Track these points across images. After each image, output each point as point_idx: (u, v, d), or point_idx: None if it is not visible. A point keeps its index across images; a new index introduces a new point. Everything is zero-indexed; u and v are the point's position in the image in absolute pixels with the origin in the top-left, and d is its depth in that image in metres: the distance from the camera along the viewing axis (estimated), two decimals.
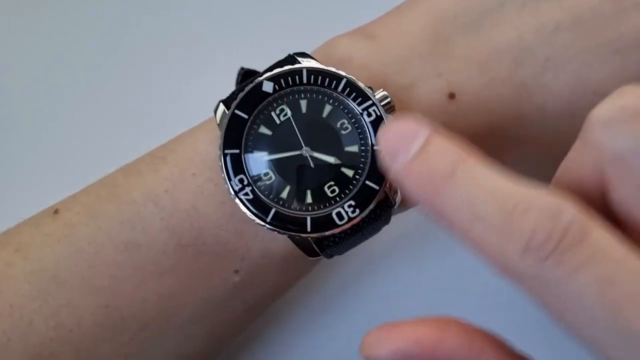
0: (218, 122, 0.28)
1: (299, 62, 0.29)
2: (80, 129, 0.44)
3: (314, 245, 0.28)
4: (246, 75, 0.31)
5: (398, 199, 0.28)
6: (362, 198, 0.27)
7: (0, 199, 0.42)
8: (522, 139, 0.30)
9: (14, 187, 0.43)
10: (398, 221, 0.32)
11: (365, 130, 0.28)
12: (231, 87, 0.30)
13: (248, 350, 0.37)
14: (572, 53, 0.29)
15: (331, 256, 0.31)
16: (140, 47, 0.47)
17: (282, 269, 0.31)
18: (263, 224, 0.27)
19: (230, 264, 0.29)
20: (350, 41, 0.31)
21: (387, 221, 0.31)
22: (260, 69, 0.30)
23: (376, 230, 0.31)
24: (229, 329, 0.33)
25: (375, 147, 0.27)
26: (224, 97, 0.29)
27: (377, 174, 0.27)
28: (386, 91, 0.28)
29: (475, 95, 0.29)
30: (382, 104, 0.28)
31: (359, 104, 0.28)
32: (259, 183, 0.27)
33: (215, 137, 0.28)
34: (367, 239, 0.32)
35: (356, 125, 0.28)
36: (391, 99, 0.28)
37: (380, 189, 0.27)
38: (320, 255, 0.29)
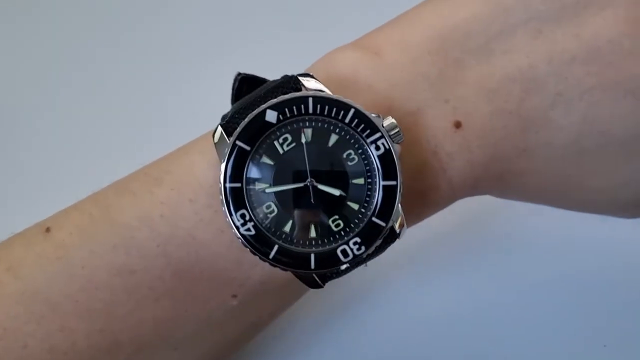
0: (216, 142, 0.27)
1: (303, 85, 0.27)
2: (72, 133, 0.44)
3: (317, 278, 0.27)
4: (243, 82, 0.30)
5: (403, 232, 0.27)
6: (368, 235, 0.27)
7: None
8: (526, 170, 0.29)
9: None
10: None
11: (372, 162, 0.27)
12: (227, 87, 0.30)
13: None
14: (584, 90, 0.27)
15: None
16: (138, 50, 0.47)
17: (281, 294, 0.30)
18: (266, 259, 0.26)
19: (228, 290, 0.29)
20: (355, 57, 0.29)
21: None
22: (259, 72, 0.29)
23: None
24: (225, 348, 0.32)
25: (383, 183, 0.26)
26: (222, 101, 0.28)
27: (384, 210, 0.26)
28: (393, 117, 0.27)
29: (482, 126, 0.28)
30: (390, 133, 0.27)
31: (367, 136, 0.27)
32: (261, 217, 0.26)
33: (213, 159, 0.27)
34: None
35: (363, 156, 0.27)
36: (399, 129, 0.27)
37: (386, 226, 0.26)
38: (322, 287, 0.28)
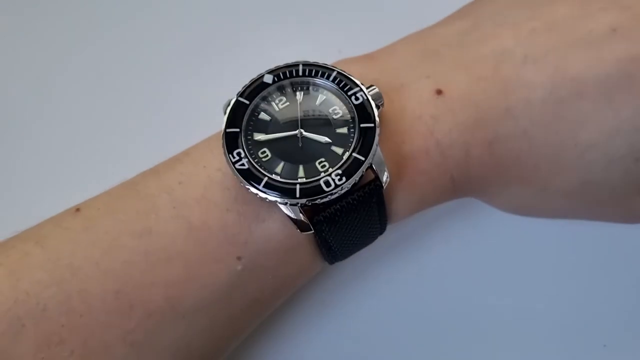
0: (226, 114, 0.32)
1: None
2: (101, 137, 0.46)
3: (308, 222, 0.30)
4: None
5: (386, 178, 0.30)
6: (349, 168, 0.30)
7: (23, 201, 0.44)
8: (512, 132, 0.32)
9: (36, 190, 0.44)
10: (395, 227, 0.34)
11: (353, 113, 0.31)
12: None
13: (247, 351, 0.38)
14: (548, 48, 0.31)
15: (333, 261, 0.33)
16: (149, 49, 0.49)
17: (282, 259, 0.32)
18: (255, 190, 0.29)
19: (233, 249, 0.31)
20: (351, 60, 0.35)
21: (382, 228, 0.33)
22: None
23: (372, 235, 0.33)
24: (232, 325, 0.34)
25: (361, 125, 0.30)
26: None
27: (363, 147, 0.30)
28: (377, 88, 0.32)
29: (462, 91, 0.32)
30: (370, 93, 0.31)
31: (347, 91, 0.31)
32: (255, 159, 0.30)
33: None
34: (364, 242, 0.34)
35: (346, 110, 0.31)
36: (379, 90, 0.31)
37: (366, 159, 0.30)
38: (312, 230, 0.30)
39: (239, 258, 0.31)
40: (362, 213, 0.31)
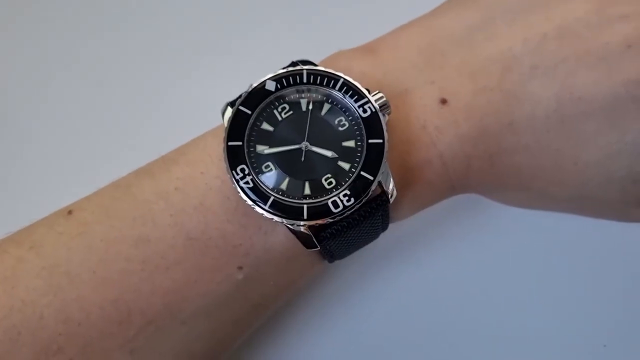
0: (225, 122, 0.30)
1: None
2: (95, 134, 0.45)
3: (313, 238, 0.29)
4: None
5: (392, 193, 0.29)
6: (357, 188, 0.29)
7: (14, 200, 0.43)
8: (514, 146, 0.31)
9: (26, 189, 0.44)
10: (395, 225, 0.33)
11: (360, 126, 0.29)
12: (238, 88, 0.32)
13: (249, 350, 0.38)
14: (558, 61, 0.30)
15: (332, 260, 0.33)
16: (146, 47, 0.48)
17: (284, 267, 0.32)
18: (261, 211, 0.28)
19: (234, 260, 0.30)
20: (352, 54, 0.33)
21: (384, 227, 0.33)
22: (268, 70, 0.32)
23: (374, 235, 0.33)
24: (232, 328, 0.33)
25: (369, 141, 0.29)
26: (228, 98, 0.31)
27: (371, 165, 0.29)
28: (382, 94, 0.30)
29: (466, 102, 0.31)
30: (377, 103, 0.30)
31: (355, 101, 0.30)
32: (259, 174, 0.29)
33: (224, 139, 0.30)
34: (366, 244, 0.33)
35: (353, 122, 0.30)
36: (386, 99, 0.30)
37: (374, 179, 0.29)
38: (317, 247, 0.30)
39: (239, 268, 0.30)
40: (367, 224, 0.30)
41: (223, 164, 0.29)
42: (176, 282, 0.30)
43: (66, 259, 0.29)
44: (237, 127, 0.29)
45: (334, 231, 0.29)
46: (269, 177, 0.29)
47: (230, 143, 0.29)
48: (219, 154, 0.30)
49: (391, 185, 0.29)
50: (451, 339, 0.38)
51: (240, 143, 0.29)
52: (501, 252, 0.40)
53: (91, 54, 0.49)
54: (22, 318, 0.28)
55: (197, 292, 0.30)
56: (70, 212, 0.31)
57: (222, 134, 0.30)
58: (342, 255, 0.33)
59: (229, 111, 0.30)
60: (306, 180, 0.29)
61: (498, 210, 0.36)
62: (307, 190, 0.29)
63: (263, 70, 0.32)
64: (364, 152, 0.29)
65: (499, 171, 0.32)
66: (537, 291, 0.38)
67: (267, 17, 0.49)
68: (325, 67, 0.31)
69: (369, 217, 0.30)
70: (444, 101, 0.31)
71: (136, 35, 0.49)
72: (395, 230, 0.34)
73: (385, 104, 0.30)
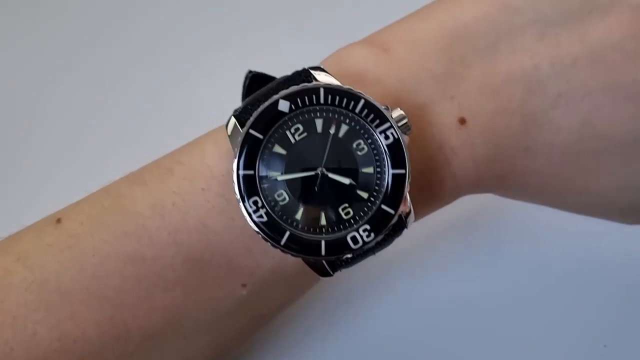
0: (229, 133, 0.28)
1: (314, 77, 0.28)
2: (82, 132, 0.45)
3: (327, 266, 0.28)
4: (254, 79, 0.31)
5: (411, 220, 0.28)
6: (377, 222, 0.27)
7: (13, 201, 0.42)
8: (527, 170, 0.30)
9: (13, 190, 0.43)
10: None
11: (381, 152, 0.27)
12: (237, 88, 0.30)
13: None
14: (585, 92, 0.28)
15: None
16: (146, 47, 0.47)
17: (290, 285, 0.31)
18: (277, 245, 0.26)
19: (238, 278, 0.29)
20: (365, 54, 0.30)
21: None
22: (269, 71, 0.30)
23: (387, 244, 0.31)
24: (234, 339, 0.33)
25: (392, 172, 0.27)
26: (231, 98, 0.29)
27: (392, 198, 0.27)
28: (402, 110, 0.28)
29: (485, 122, 0.29)
30: (399, 124, 0.28)
31: (377, 126, 0.27)
32: (272, 204, 0.27)
33: (225, 149, 0.28)
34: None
35: (372, 146, 0.28)
36: (408, 120, 0.28)
37: (395, 213, 0.27)
38: (332, 275, 0.28)
39: (243, 285, 0.29)
40: (381, 247, 0.29)
41: (225, 180, 0.28)
42: (176, 299, 0.29)
43: (56, 273, 0.28)
44: (248, 155, 0.27)
45: (349, 259, 0.28)
46: (283, 207, 0.27)
47: (243, 172, 0.27)
48: (219, 167, 0.28)
49: (411, 213, 0.28)
50: (450, 339, 0.38)
51: (252, 172, 0.27)
52: (501, 252, 0.40)
53: (91, 54, 0.48)
54: (14, 333, 0.27)
55: (197, 308, 0.29)
56: (59, 221, 0.29)
57: (222, 142, 0.28)
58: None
59: (232, 123, 0.28)
60: (322, 209, 0.27)
61: (498, 211, 0.36)
62: (323, 221, 0.27)
63: (266, 70, 0.30)
64: (386, 183, 0.27)
65: (506, 187, 0.32)
66: (537, 291, 0.38)
67: (268, 17, 0.47)
68: (339, 78, 0.28)
69: (385, 243, 0.28)
70: (462, 121, 0.29)
71: (136, 37, 0.48)
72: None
73: (405, 123, 0.28)
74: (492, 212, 0.37)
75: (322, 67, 0.29)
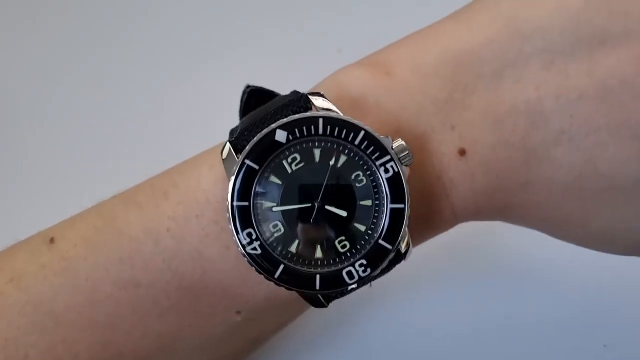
0: (224, 158, 0.27)
1: (312, 104, 0.27)
2: (82, 132, 0.45)
3: (321, 298, 0.28)
4: (252, 94, 0.30)
5: (410, 253, 0.28)
6: (374, 257, 0.27)
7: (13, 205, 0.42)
8: (528, 203, 0.29)
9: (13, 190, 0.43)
10: None
11: (380, 185, 0.27)
12: (238, 87, 0.30)
13: None
14: (590, 129, 0.27)
15: None
16: (146, 48, 0.47)
17: (285, 312, 0.31)
18: (271, 279, 0.26)
19: (233, 306, 0.29)
20: (365, 77, 0.29)
21: None
22: (269, 73, 0.29)
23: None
24: (229, 358, 0.33)
25: (391, 206, 0.26)
26: (231, 98, 0.28)
27: (391, 233, 0.26)
28: (403, 141, 0.27)
29: (485, 154, 0.28)
30: (399, 156, 0.27)
31: (377, 159, 0.26)
32: (267, 235, 0.26)
33: (220, 175, 0.28)
34: None
35: (371, 178, 0.27)
36: (409, 152, 0.27)
37: (393, 248, 0.26)
38: (326, 306, 0.28)
39: (238, 312, 0.29)
40: (377, 278, 0.28)
41: (220, 207, 0.27)
42: (170, 325, 0.29)
43: (50, 297, 0.28)
44: (244, 186, 0.26)
45: (344, 292, 0.28)
46: (277, 239, 0.27)
47: (236, 203, 0.26)
48: (215, 194, 0.28)
49: (406, 244, 0.27)
50: (448, 339, 0.38)
51: (247, 204, 0.26)
52: (500, 251, 0.39)
53: (91, 56, 0.48)
54: (6, 356, 0.28)
55: (192, 334, 0.29)
56: (52, 241, 0.29)
57: (217, 167, 0.28)
58: None
59: (227, 149, 0.27)
60: (318, 243, 0.27)
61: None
62: (318, 254, 0.27)
63: (263, 75, 0.31)
64: (384, 217, 0.26)
65: (505, 219, 0.31)
66: (536, 291, 0.38)
67: (269, 17, 0.47)
68: (338, 103, 0.27)
69: (381, 275, 0.28)
70: (462, 152, 0.28)
71: (136, 37, 0.48)
72: None
73: (406, 155, 0.27)
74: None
75: (321, 93, 0.28)
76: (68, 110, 0.46)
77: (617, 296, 0.38)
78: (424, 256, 0.38)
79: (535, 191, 0.28)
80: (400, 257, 0.27)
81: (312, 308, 0.32)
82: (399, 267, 0.32)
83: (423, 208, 0.28)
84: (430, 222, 0.29)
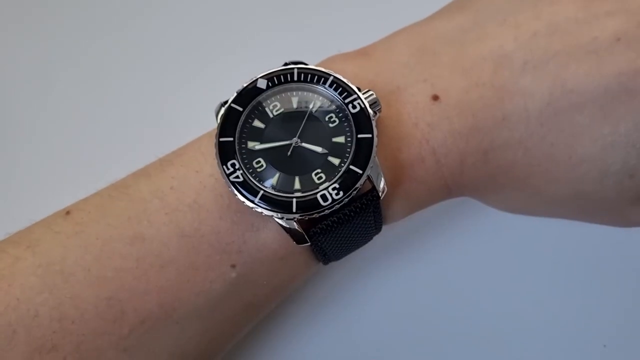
0: (218, 120, 0.31)
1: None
2: (82, 133, 0.46)
3: (304, 234, 0.30)
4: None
5: (383, 189, 0.30)
6: (346, 182, 0.29)
7: (15, 203, 0.43)
8: (508, 141, 0.31)
9: (27, 191, 0.44)
10: (388, 228, 0.34)
11: (350, 120, 0.30)
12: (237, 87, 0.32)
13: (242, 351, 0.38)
14: (549, 55, 0.30)
15: (327, 262, 0.33)
16: (146, 47, 0.49)
17: (277, 267, 0.32)
18: (251, 205, 0.29)
19: (227, 257, 0.30)
20: (346, 57, 0.34)
21: (378, 228, 0.33)
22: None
23: (368, 237, 0.33)
24: (225, 328, 0.33)
25: (358, 136, 0.29)
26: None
27: (360, 159, 0.29)
28: (372, 91, 0.30)
29: (458, 98, 0.31)
30: (367, 100, 0.30)
31: (345, 98, 0.30)
32: (250, 170, 0.29)
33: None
34: (360, 245, 0.33)
35: (343, 118, 0.30)
36: (376, 97, 0.30)
37: (363, 172, 0.29)
38: (308, 243, 0.30)
39: (232, 266, 0.31)
40: (359, 221, 0.31)
41: (216, 162, 0.30)
42: (170, 281, 0.30)
43: (61, 257, 0.30)
44: (228, 124, 0.30)
45: (324, 227, 0.30)
46: (260, 173, 0.29)
47: (221, 139, 0.30)
48: (212, 153, 0.31)
49: (382, 182, 0.30)
50: (447, 340, 0.38)
51: (231, 139, 0.30)
52: (500, 251, 0.40)
53: (91, 56, 0.49)
54: (18, 316, 0.28)
55: (190, 291, 0.30)
56: (68, 213, 0.32)
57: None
58: (336, 257, 0.33)
59: (222, 111, 0.31)
60: (296, 175, 0.29)
61: (495, 212, 0.36)
62: (297, 185, 0.29)
63: (260, 68, 0.32)
64: (353, 147, 0.29)
65: (493, 167, 0.32)
66: (536, 291, 0.38)
67: (267, 21, 0.49)
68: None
69: (361, 213, 0.30)
70: (435, 97, 0.31)
71: (136, 38, 0.50)
72: (388, 233, 0.34)
73: (375, 101, 0.30)
74: (488, 211, 0.37)
75: (303, 62, 0.32)
76: (68, 110, 0.47)
77: (617, 296, 0.37)
78: (414, 235, 0.39)
79: (512, 126, 0.31)
80: (376, 195, 0.30)
81: (299, 288, 0.33)
82: (390, 243, 0.33)
83: (404, 156, 0.31)
84: (414, 173, 0.31)
